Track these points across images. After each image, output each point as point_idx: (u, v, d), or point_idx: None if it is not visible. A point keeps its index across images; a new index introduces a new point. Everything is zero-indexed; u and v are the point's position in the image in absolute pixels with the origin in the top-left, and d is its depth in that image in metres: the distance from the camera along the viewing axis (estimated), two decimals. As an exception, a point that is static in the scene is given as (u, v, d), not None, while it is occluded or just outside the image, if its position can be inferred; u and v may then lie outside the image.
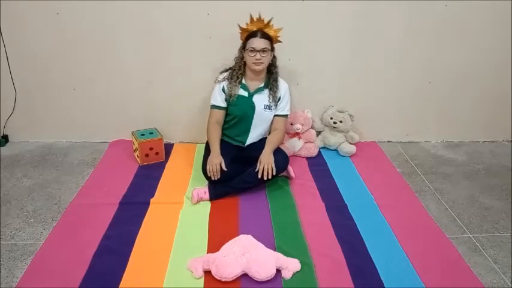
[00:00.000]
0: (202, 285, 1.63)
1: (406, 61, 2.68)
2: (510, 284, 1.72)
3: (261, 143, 2.28)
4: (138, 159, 2.52)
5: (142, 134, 2.51)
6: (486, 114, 2.92)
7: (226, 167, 2.11)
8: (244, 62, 2.19)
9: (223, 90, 2.23)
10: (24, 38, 2.45)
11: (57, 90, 2.62)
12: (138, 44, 2.49)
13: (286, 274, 1.67)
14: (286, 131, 2.65)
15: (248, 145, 2.32)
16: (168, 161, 2.56)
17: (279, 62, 2.54)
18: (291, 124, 2.63)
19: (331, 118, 2.68)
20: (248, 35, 2.14)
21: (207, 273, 1.68)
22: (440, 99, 2.84)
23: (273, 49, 2.18)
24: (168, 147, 2.69)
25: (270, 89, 2.24)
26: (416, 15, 2.52)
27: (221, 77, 2.26)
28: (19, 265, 1.72)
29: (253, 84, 2.24)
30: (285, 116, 2.33)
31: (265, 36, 2.12)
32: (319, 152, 2.72)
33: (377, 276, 1.71)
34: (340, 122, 2.67)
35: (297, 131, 2.63)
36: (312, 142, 2.69)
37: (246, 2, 2.33)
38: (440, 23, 2.56)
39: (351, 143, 2.72)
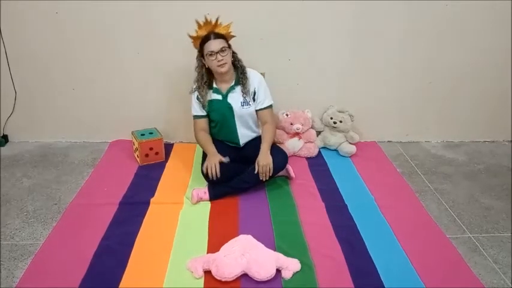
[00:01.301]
0: (202, 285, 1.63)
1: (406, 61, 2.68)
2: (510, 284, 1.72)
3: (258, 142, 2.27)
4: (138, 159, 2.52)
5: (142, 134, 2.51)
6: (486, 114, 2.92)
7: (225, 167, 2.11)
8: (207, 68, 2.16)
9: (197, 99, 2.22)
10: (24, 38, 2.45)
11: (57, 90, 2.62)
12: (138, 44, 2.49)
13: (286, 274, 1.67)
14: (286, 131, 2.66)
15: (245, 144, 2.32)
16: (168, 161, 2.56)
17: (279, 62, 2.55)
18: (291, 124, 2.62)
19: (331, 118, 2.68)
20: (201, 41, 2.10)
21: (207, 273, 1.68)
22: (440, 99, 2.84)
23: (230, 46, 2.14)
24: (168, 147, 2.69)
25: (241, 84, 2.20)
26: (416, 15, 2.52)
27: (194, 86, 2.24)
28: (19, 265, 1.72)
29: (224, 86, 2.21)
30: (269, 107, 2.27)
31: (219, 36, 2.10)
32: (319, 152, 2.72)
33: (377, 276, 1.70)
34: (340, 122, 2.66)
35: (297, 131, 2.63)
36: (312, 142, 2.69)
37: (245, 2, 2.33)
38: (440, 23, 2.56)
39: (351, 143, 2.71)
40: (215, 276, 1.64)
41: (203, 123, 2.27)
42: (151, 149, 2.48)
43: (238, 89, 2.21)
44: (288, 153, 2.34)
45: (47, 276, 1.65)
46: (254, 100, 2.24)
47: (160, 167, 2.48)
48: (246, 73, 2.20)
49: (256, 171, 2.11)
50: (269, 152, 2.16)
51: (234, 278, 1.64)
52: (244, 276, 1.67)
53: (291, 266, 1.70)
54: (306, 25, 2.50)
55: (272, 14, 2.42)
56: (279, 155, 2.20)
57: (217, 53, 2.05)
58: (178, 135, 2.81)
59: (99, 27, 2.43)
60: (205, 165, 2.12)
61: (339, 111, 2.68)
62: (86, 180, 2.33)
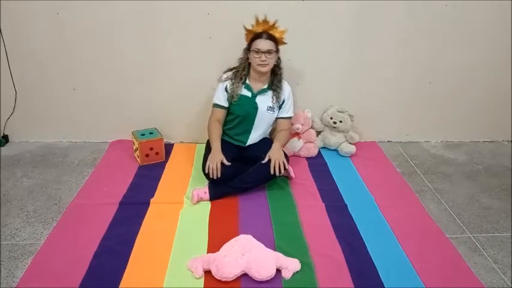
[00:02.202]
0: (202, 285, 1.63)
1: (406, 61, 2.68)
2: (510, 284, 1.72)
3: (261, 143, 2.31)
4: (138, 159, 2.52)
5: (143, 134, 2.51)
6: (486, 114, 2.92)
7: (226, 167, 2.11)
8: (249, 62, 2.20)
9: (226, 89, 2.23)
10: (24, 37, 2.45)
11: (57, 90, 2.62)
12: (138, 44, 2.49)
13: (286, 274, 1.67)
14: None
15: (248, 145, 2.33)
16: (168, 161, 2.56)
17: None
18: (291, 124, 2.62)
19: (331, 118, 2.69)
20: (253, 37, 2.14)
21: (207, 273, 1.68)
22: (440, 99, 2.84)
23: (278, 51, 2.18)
24: (168, 147, 2.69)
25: (274, 90, 2.25)
26: (416, 15, 2.52)
27: (224, 76, 2.26)
28: (19, 265, 1.72)
29: (257, 85, 2.24)
30: (289, 118, 2.36)
31: (271, 37, 2.12)
32: (319, 152, 2.72)
33: (377, 276, 1.71)
34: (340, 122, 2.67)
35: (297, 131, 2.63)
36: (312, 142, 2.69)
37: (246, 2, 2.33)
38: (440, 23, 2.56)
39: (350, 143, 2.72)
40: (215, 276, 1.64)
41: (221, 114, 2.28)
42: (151, 149, 2.48)
43: (270, 93, 2.25)
44: (288, 153, 2.35)
45: (47, 276, 1.65)
46: (280, 108, 2.29)
47: (160, 167, 2.48)
48: (281, 82, 2.26)
49: (264, 162, 2.14)
50: (281, 150, 2.20)
51: (234, 278, 1.64)
52: (244, 276, 1.67)
53: (291, 266, 1.70)
54: (306, 25, 2.50)
55: (272, 14, 2.41)
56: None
57: (263, 52, 2.08)
58: (178, 135, 2.81)
59: (99, 27, 2.43)
60: (207, 165, 2.13)
61: (339, 111, 2.69)
62: (86, 180, 2.33)
